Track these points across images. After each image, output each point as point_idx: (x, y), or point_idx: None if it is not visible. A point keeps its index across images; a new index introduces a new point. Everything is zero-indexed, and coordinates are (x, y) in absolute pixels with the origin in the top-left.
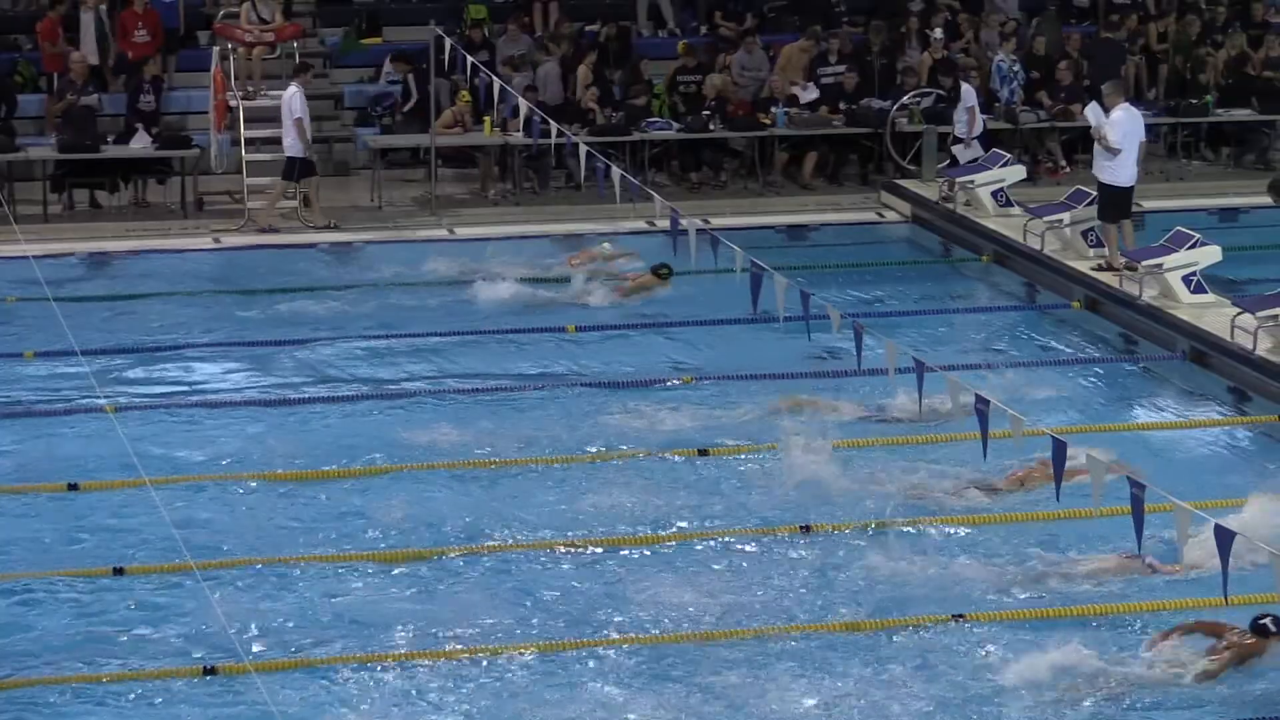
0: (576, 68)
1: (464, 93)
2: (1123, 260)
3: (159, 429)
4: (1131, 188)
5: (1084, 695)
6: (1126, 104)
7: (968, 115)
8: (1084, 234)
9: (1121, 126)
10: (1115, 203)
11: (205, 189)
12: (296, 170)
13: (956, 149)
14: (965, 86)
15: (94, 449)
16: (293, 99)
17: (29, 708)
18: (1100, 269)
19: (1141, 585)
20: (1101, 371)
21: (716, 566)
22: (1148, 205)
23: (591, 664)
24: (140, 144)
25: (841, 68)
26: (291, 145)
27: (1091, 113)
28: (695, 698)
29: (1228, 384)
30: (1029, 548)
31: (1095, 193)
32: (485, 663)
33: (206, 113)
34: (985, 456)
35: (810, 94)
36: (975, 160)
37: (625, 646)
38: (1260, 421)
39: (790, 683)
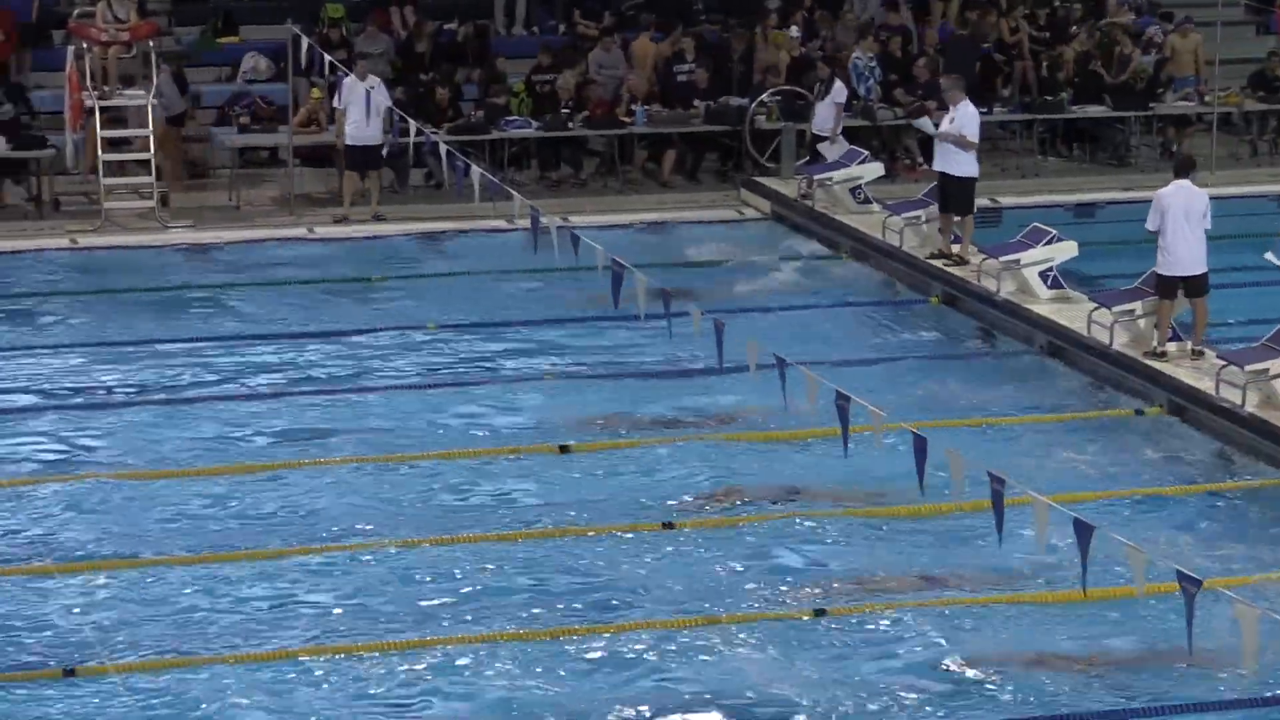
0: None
1: (315, 89)
2: (955, 249)
3: (13, 431)
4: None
5: None
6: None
7: (834, 111)
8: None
9: (976, 119)
10: (971, 194)
11: (61, 189)
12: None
13: (822, 146)
14: (838, 84)
15: None
16: (379, 90)
17: None
18: (957, 263)
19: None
20: (960, 366)
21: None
22: (1005, 201)
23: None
24: None
25: (694, 65)
26: (376, 135)
27: (924, 125)
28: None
29: (1084, 378)
30: None
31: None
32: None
33: (62, 113)
34: (846, 454)
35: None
36: (839, 157)
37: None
38: (1116, 415)
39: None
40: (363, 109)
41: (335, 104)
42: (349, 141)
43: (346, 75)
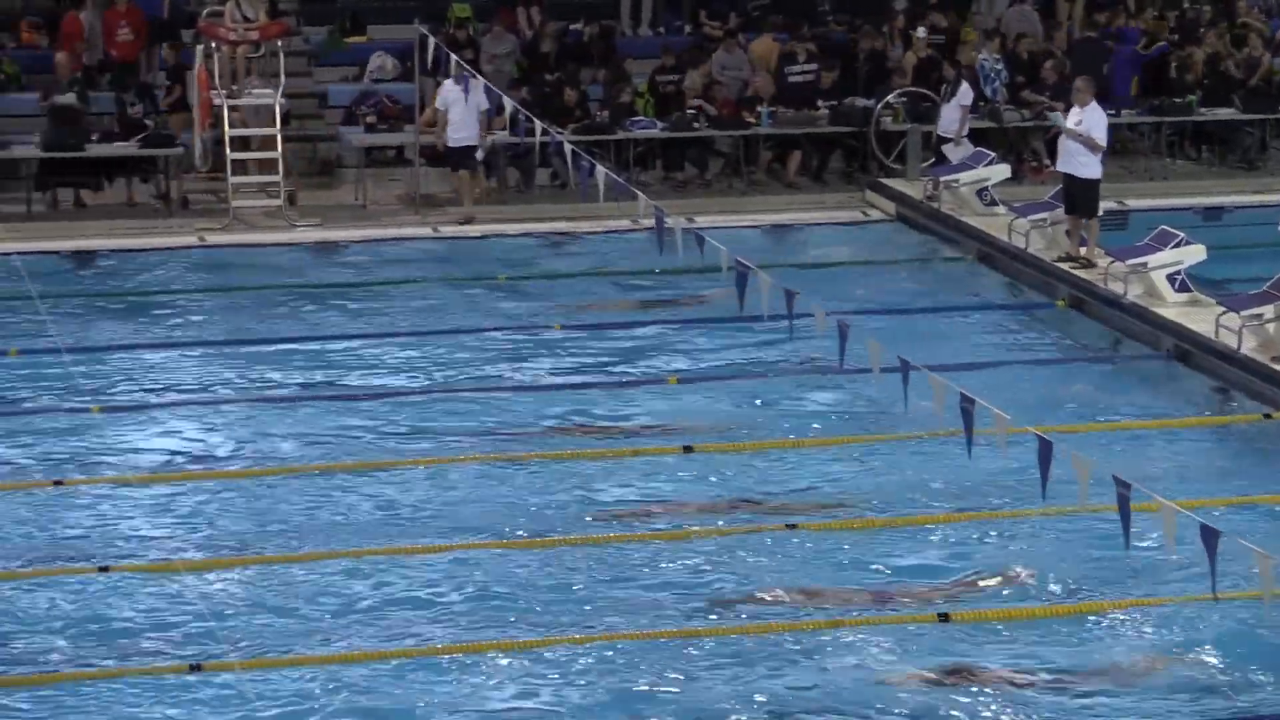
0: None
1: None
2: (1083, 251)
3: (143, 428)
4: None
5: None
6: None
7: (960, 113)
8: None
9: (1104, 123)
10: (1095, 196)
11: (190, 188)
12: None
13: (947, 148)
14: (964, 85)
15: (78, 447)
16: (477, 92)
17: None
18: (1084, 266)
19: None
20: (1086, 370)
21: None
22: (1132, 204)
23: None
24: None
25: (811, 66)
26: (472, 136)
27: (1056, 120)
28: None
29: (1213, 383)
30: None
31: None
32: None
33: (190, 111)
34: (970, 455)
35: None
36: (965, 159)
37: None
38: (1245, 421)
39: None
40: (461, 110)
41: (437, 105)
42: (448, 143)
43: (472, 75)
